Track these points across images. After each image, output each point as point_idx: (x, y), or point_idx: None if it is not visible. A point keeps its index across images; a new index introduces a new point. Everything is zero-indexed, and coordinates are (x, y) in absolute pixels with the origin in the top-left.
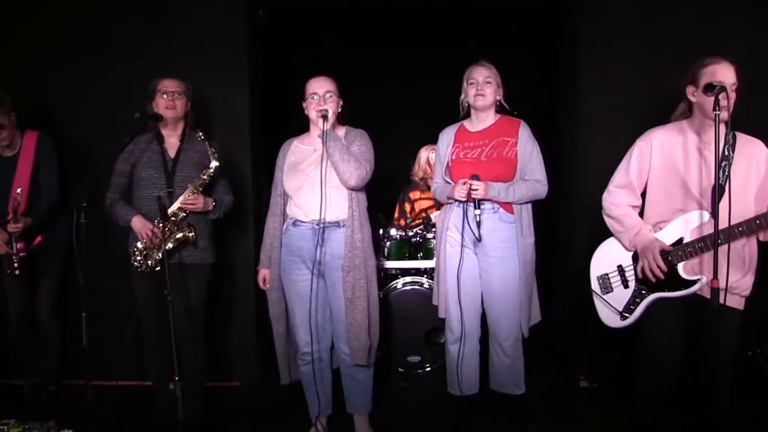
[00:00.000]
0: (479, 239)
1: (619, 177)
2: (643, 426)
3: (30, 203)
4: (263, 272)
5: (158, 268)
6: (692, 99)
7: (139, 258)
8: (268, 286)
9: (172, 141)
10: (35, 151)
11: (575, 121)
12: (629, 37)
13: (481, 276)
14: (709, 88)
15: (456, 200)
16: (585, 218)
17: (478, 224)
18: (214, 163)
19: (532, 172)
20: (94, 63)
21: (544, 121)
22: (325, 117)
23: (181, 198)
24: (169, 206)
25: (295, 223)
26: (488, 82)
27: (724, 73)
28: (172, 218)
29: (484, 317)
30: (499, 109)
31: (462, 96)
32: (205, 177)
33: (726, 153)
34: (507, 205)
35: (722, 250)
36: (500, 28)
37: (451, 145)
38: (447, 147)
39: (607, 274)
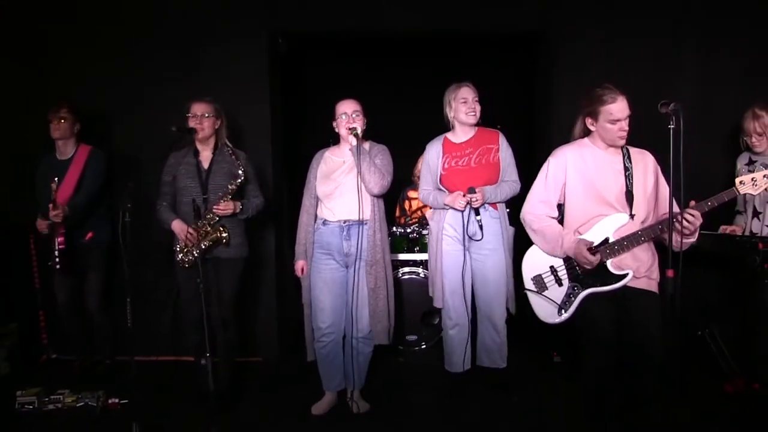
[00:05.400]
0: (482, 238)
1: (537, 191)
2: (591, 398)
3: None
4: (300, 263)
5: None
6: (591, 128)
7: (180, 255)
8: (304, 274)
9: (206, 154)
10: (86, 160)
11: (550, 132)
12: (598, 60)
13: (475, 266)
14: (665, 106)
15: (454, 208)
16: None
17: (481, 227)
18: (240, 173)
19: (510, 175)
20: (138, 83)
21: (524, 132)
22: (356, 135)
23: (214, 206)
24: (204, 210)
25: (325, 222)
26: (476, 101)
27: (620, 109)
28: (208, 221)
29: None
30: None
31: (449, 113)
32: (232, 186)
33: (626, 165)
34: (493, 203)
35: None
36: (489, 52)
37: (441, 157)
38: (437, 158)
39: (540, 275)
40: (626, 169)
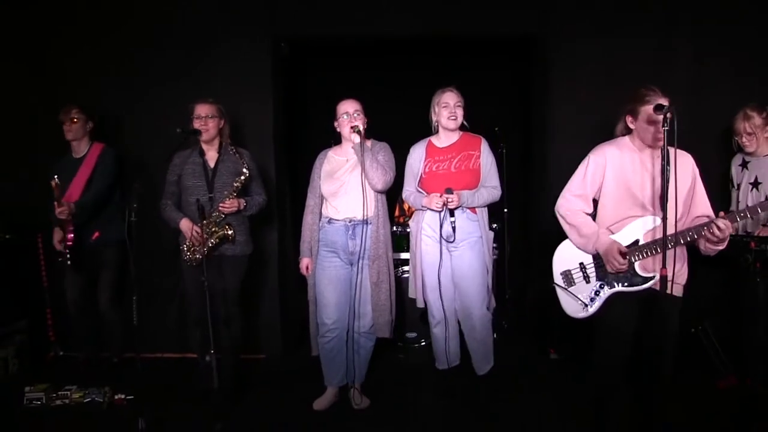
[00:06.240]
0: (454, 240)
1: (574, 186)
2: (601, 397)
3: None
4: (306, 261)
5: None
6: (631, 126)
7: (188, 254)
8: (310, 272)
9: (211, 154)
10: (97, 158)
11: (546, 133)
12: (593, 63)
13: (454, 267)
14: (658, 108)
15: (431, 209)
16: (555, 215)
17: (454, 229)
18: (245, 171)
19: (490, 181)
20: (144, 86)
21: (520, 134)
22: (358, 132)
23: (220, 203)
24: (210, 208)
25: (330, 221)
26: (459, 106)
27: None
28: (214, 219)
29: None
30: (461, 127)
31: (433, 117)
32: (237, 184)
33: (665, 167)
34: (471, 207)
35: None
36: (487, 55)
37: (423, 160)
38: (419, 161)
39: (569, 270)
40: (664, 171)
